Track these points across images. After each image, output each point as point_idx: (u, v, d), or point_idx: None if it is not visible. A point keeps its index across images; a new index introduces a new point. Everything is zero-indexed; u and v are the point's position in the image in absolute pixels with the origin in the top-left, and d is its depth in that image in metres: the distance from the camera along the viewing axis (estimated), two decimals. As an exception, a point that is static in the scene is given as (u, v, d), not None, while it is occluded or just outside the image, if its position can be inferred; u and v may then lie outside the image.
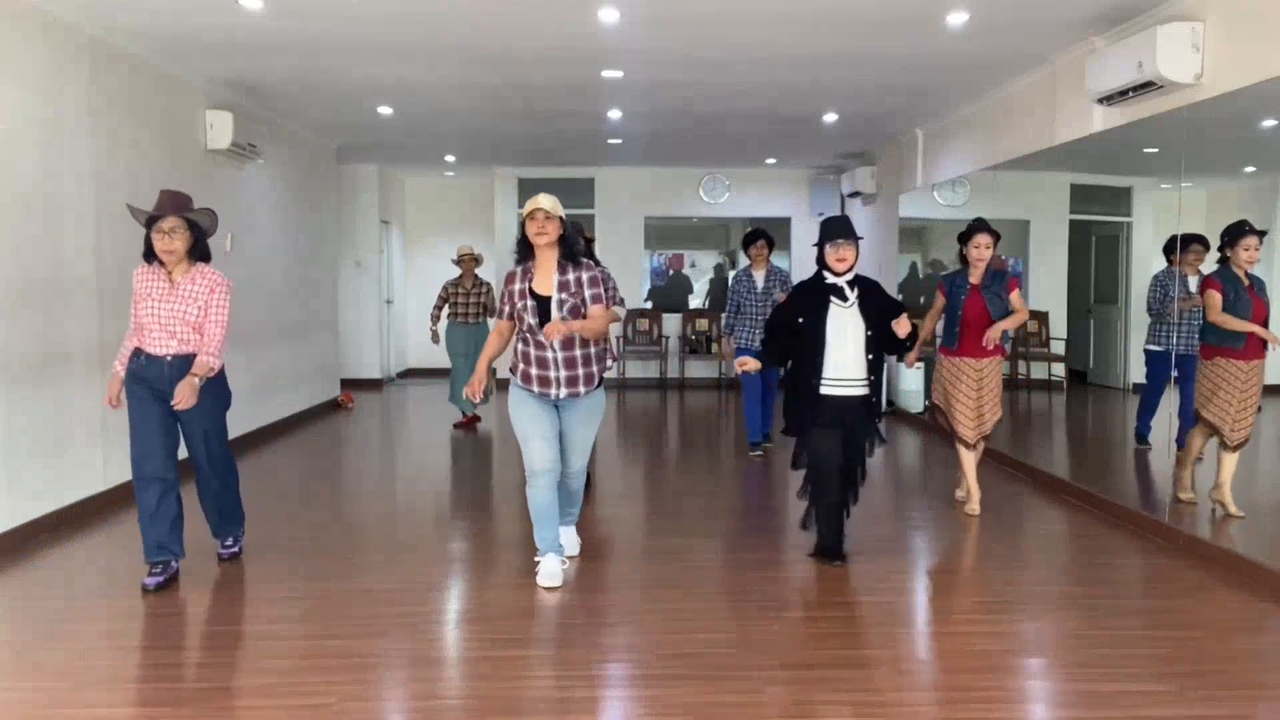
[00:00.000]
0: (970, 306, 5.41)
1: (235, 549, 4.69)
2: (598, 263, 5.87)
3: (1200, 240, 5.36)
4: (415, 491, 6.58)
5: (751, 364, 4.67)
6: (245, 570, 4.56)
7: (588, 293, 4.21)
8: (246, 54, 6.40)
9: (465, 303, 8.68)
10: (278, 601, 4.13)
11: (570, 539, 4.69)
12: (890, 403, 9.62)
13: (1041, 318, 7.34)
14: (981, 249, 5.41)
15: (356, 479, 7.17)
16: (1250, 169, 5.76)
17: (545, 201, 4.16)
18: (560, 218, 4.17)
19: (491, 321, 8.09)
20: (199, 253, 4.26)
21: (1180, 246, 5.39)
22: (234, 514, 4.64)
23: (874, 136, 9.69)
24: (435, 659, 3.59)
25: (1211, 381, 4.96)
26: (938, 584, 4.57)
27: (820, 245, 4.58)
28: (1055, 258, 7.42)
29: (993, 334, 5.30)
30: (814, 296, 4.58)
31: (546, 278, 4.21)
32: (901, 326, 4.42)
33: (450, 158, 11.47)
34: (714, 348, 12.04)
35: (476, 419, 9.01)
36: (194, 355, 4.21)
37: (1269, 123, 5.21)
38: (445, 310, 8.79)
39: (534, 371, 4.24)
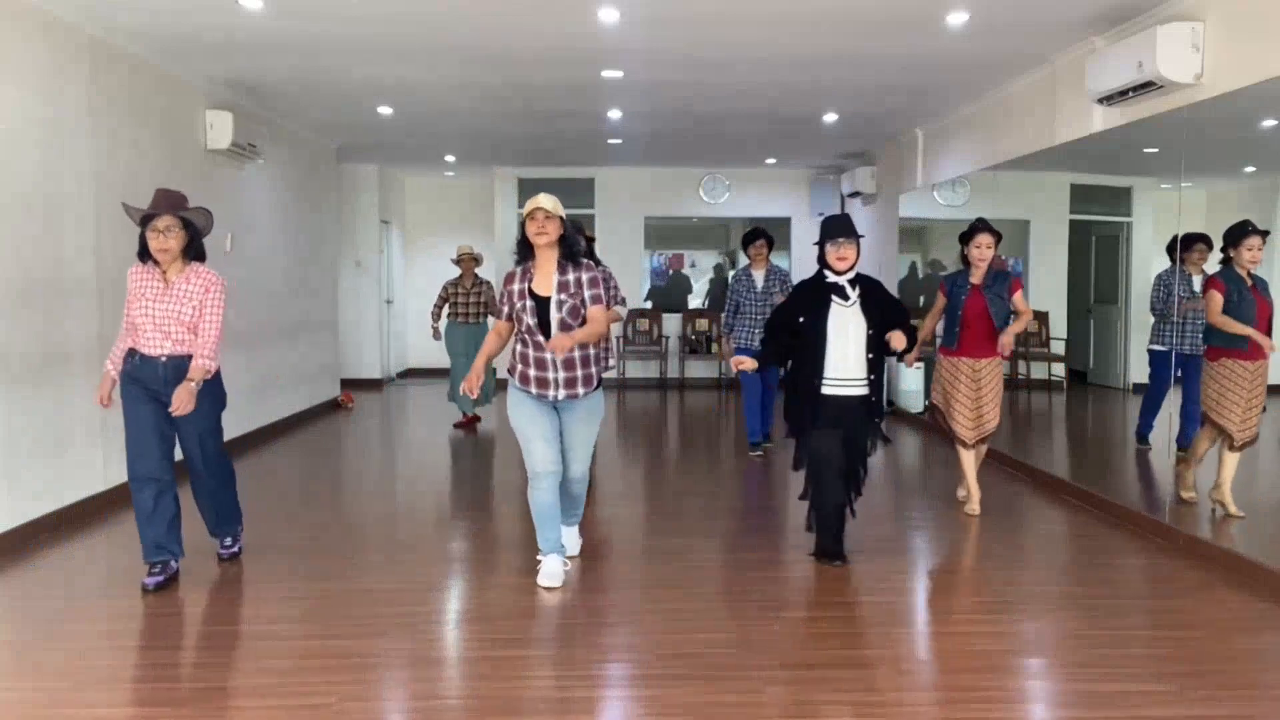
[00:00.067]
0: (971, 307, 5.41)
1: (235, 549, 4.69)
2: (598, 262, 5.88)
3: (1204, 239, 5.35)
4: (415, 491, 6.58)
5: (748, 363, 4.67)
6: (245, 570, 4.55)
7: (587, 294, 4.18)
8: (246, 54, 6.40)
9: (465, 302, 8.69)
10: (278, 601, 4.13)
11: (572, 538, 4.69)
12: (890, 403, 9.62)
13: (1041, 318, 7.34)
14: (983, 249, 5.41)
15: (356, 479, 7.17)
16: (1250, 169, 5.76)
17: (545, 201, 4.13)
18: (560, 217, 4.15)
19: (492, 321, 8.10)
20: (194, 252, 4.23)
21: (1184, 246, 5.39)
22: (231, 513, 4.63)
23: (874, 136, 9.69)
24: (435, 659, 3.59)
25: (1218, 383, 4.94)
26: (938, 584, 4.57)
27: (821, 244, 4.57)
28: (1055, 258, 7.42)
29: (1006, 341, 5.30)
30: (815, 295, 4.57)
31: (546, 278, 4.18)
32: (896, 340, 4.40)
33: (450, 158, 11.47)
34: (714, 348, 12.04)
35: (476, 419, 9.01)
36: (189, 356, 4.18)
37: (1269, 123, 5.21)
38: (445, 309, 8.79)
39: (532, 373, 4.22)
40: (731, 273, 10.76)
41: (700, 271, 13.16)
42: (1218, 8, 4.79)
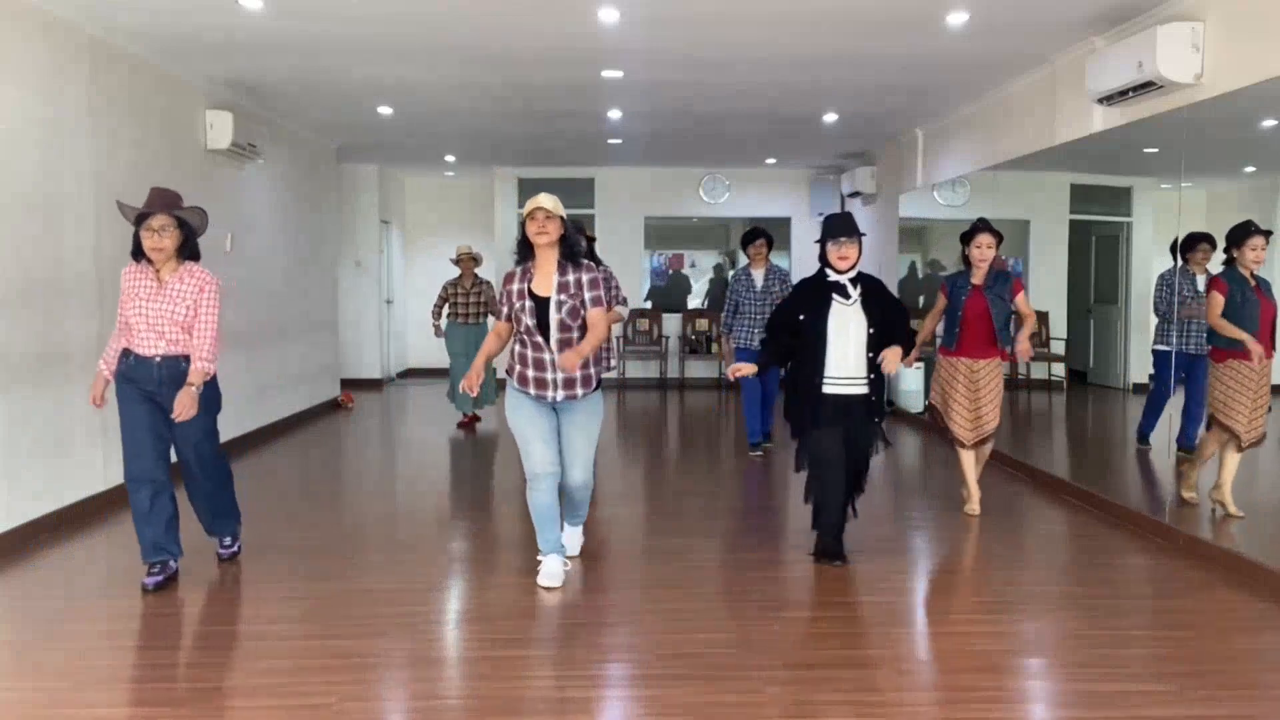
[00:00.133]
0: (971, 307, 5.39)
1: (234, 548, 4.68)
2: (599, 263, 5.87)
3: (1208, 239, 5.34)
4: (415, 491, 6.58)
5: (745, 369, 4.65)
6: (245, 570, 4.55)
7: (587, 295, 4.16)
8: (246, 54, 6.40)
9: (465, 302, 8.69)
10: (278, 601, 4.13)
11: (575, 538, 4.69)
12: (890, 403, 9.62)
13: (1042, 318, 7.34)
14: (984, 249, 5.39)
15: (356, 479, 7.17)
16: (1250, 169, 5.76)
17: (546, 201, 4.11)
18: (561, 217, 4.13)
19: (491, 321, 8.09)
20: (188, 251, 4.19)
21: (1188, 245, 5.37)
22: (230, 512, 4.61)
23: (874, 136, 9.69)
24: (435, 659, 3.59)
25: (1224, 385, 4.92)
26: (938, 584, 4.58)
27: (822, 242, 4.56)
28: (1055, 258, 7.42)
29: (1025, 348, 5.28)
30: (816, 294, 4.56)
31: (546, 278, 4.16)
32: (887, 365, 4.38)
33: (450, 158, 11.47)
34: (714, 348, 12.04)
35: (476, 419, 9.02)
36: (183, 356, 4.15)
37: (1269, 123, 5.21)
38: (445, 309, 8.79)
39: (531, 374, 4.19)
40: (731, 273, 10.76)
41: (700, 271, 13.16)
42: (1218, 8, 4.79)
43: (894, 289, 9.43)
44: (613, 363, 4.60)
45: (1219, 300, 4.92)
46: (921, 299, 9.52)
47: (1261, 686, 3.34)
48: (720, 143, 10.17)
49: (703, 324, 12.28)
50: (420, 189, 13.52)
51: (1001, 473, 6.69)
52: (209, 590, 4.32)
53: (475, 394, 4.23)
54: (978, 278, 5.44)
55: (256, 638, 3.76)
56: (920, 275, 9.91)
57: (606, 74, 6.95)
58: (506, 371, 4.36)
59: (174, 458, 4.34)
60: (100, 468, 5.64)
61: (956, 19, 5.49)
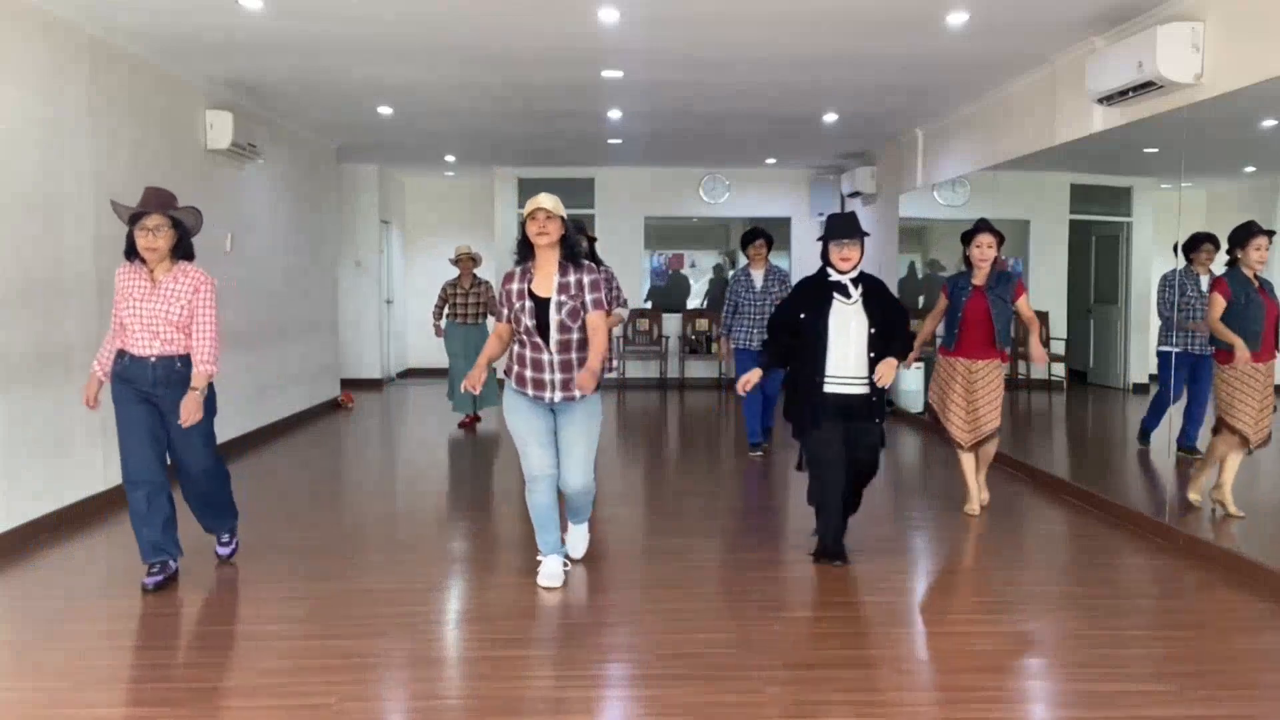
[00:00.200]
0: (972, 308, 5.38)
1: (232, 545, 4.66)
2: (600, 263, 5.85)
3: (1211, 239, 5.32)
4: (415, 491, 6.58)
5: (754, 377, 4.62)
6: (245, 570, 4.55)
7: (588, 297, 4.13)
8: (246, 54, 6.40)
9: (464, 303, 8.68)
10: (278, 601, 4.13)
11: (579, 538, 4.66)
12: (890, 403, 9.61)
13: (1042, 317, 7.33)
14: (984, 249, 5.37)
15: (356, 479, 7.17)
16: (1250, 169, 5.76)
17: (546, 201, 4.09)
18: (561, 218, 4.11)
19: (491, 322, 8.08)
20: (182, 251, 4.17)
21: (1191, 246, 5.36)
22: (226, 512, 4.59)
23: (874, 136, 9.69)
24: (435, 659, 3.59)
25: (1229, 386, 4.91)
26: (938, 584, 4.57)
27: (824, 242, 4.55)
28: (1055, 258, 7.42)
29: (1040, 354, 5.26)
30: (817, 293, 4.55)
31: (546, 279, 4.14)
32: (883, 377, 4.37)
33: (450, 158, 11.47)
34: (714, 348, 12.04)
35: (477, 419, 9.01)
36: (178, 355, 4.13)
37: (1269, 123, 5.20)
38: (445, 310, 8.79)
39: (529, 374, 4.17)
40: (731, 273, 10.76)
41: (700, 271, 13.16)
42: (1218, 8, 4.79)
43: (894, 289, 9.44)
44: (613, 364, 4.58)
45: (1220, 302, 4.91)
46: (921, 299, 9.52)
47: (1261, 686, 3.34)
48: (720, 143, 10.17)
49: (703, 324, 12.29)
50: (420, 189, 13.52)
51: (1001, 473, 6.69)
52: (209, 590, 4.32)
53: (477, 393, 4.20)
54: (979, 278, 5.43)
55: (256, 638, 3.76)
56: (920, 275, 9.91)
57: (606, 74, 6.95)
58: (505, 372, 4.34)
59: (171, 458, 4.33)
60: (100, 468, 5.64)
61: (956, 19, 5.49)
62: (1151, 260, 6.07)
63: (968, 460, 5.56)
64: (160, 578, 4.22)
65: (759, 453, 7.48)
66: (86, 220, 5.53)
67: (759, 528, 5.50)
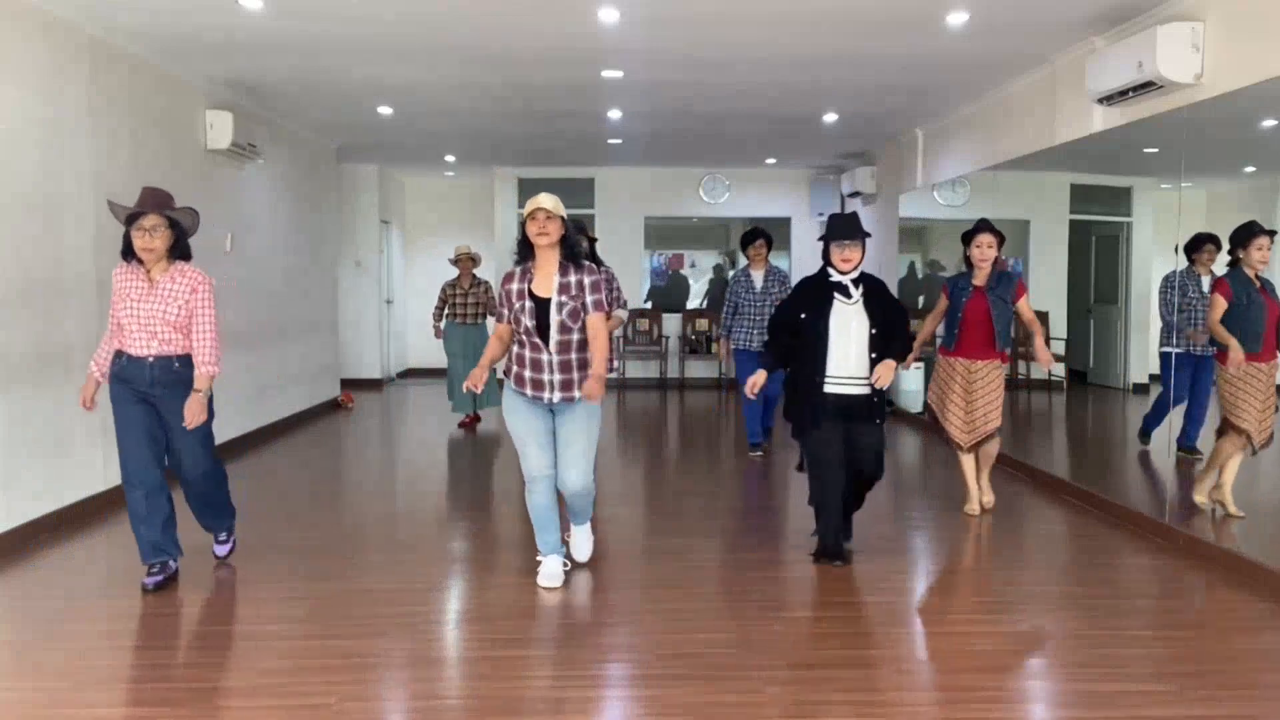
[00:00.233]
0: (972, 309, 5.37)
1: (229, 545, 4.64)
2: (601, 264, 5.85)
3: (1213, 239, 5.31)
4: (415, 491, 6.58)
5: (760, 379, 4.60)
6: (245, 570, 4.55)
7: (589, 298, 4.12)
8: (246, 54, 6.41)
9: (463, 303, 8.68)
10: (278, 601, 4.12)
11: (583, 540, 4.60)
12: (890, 403, 9.61)
13: (1042, 317, 7.33)
14: (984, 249, 5.36)
15: (356, 479, 7.17)
16: (1250, 169, 5.76)
17: (547, 201, 4.08)
18: (562, 218, 4.10)
19: (490, 323, 8.08)
20: (179, 251, 4.16)
21: (1193, 246, 5.35)
22: (224, 511, 4.57)
23: (874, 136, 9.69)
24: (435, 659, 3.59)
25: (1233, 386, 4.90)
26: (938, 584, 4.57)
27: (826, 242, 4.54)
28: (1055, 258, 7.42)
29: (1046, 357, 5.23)
30: (818, 293, 4.54)
31: (547, 279, 4.13)
32: (881, 378, 4.36)
33: (450, 158, 11.47)
34: (714, 348, 12.04)
35: (477, 419, 9.01)
36: (176, 356, 4.12)
37: (1269, 123, 5.20)
38: (445, 311, 8.78)
39: (528, 374, 4.16)
40: (731, 273, 10.75)
41: (700, 271, 13.16)
42: (1218, 8, 4.79)
43: (894, 289, 9.44)
44: (614, 364, 4.56)
45: (1221, 303, 4.90)
46: (921, 299, 9.51)
47: (1261, 686, 3.34)
48: (720, 143, 10.17)
49: (703, 324, 12.29)
50: (420, 189, 13.52)
51: (1002, 473, 6.68)
52: (209, 590, 4.32)
53: (479, 392, 4.18)
54: (979, 279, 5.42)
55: (256, 638, 3.76)
56: (920, 276, 9.91)
57: (606, 74, 6.95)
58: (504, 373, 4.33)
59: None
60: (100, 468, 5.64)
61: (956, 19, 5.49)
62: (1151, 260, 6.07)
63: (967, 461, 5.56)
64: (160, 578, 4.22)
65: (759, 453, 7.48)
66: (86, 220, 5.53)
67: (759, 528, 5.50)
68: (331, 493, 6.61)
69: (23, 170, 5.01)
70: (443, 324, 8.79)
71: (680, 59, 6.51)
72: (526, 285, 4.15)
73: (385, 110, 8.32)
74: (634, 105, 8.13)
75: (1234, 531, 5.00)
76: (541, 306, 4.11)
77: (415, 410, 10.68)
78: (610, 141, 10.03)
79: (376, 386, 11.95)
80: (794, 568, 4.63)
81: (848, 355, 4.46)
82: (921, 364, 8.00)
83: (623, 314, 6.03)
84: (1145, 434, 5.94)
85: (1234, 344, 4.85)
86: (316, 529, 5.37)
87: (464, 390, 4.27)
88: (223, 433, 6.72)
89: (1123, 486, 6.26)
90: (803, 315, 4.52)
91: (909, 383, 9.45)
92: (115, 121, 5.88)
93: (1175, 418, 5.38)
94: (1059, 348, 7.32)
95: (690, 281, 13.05)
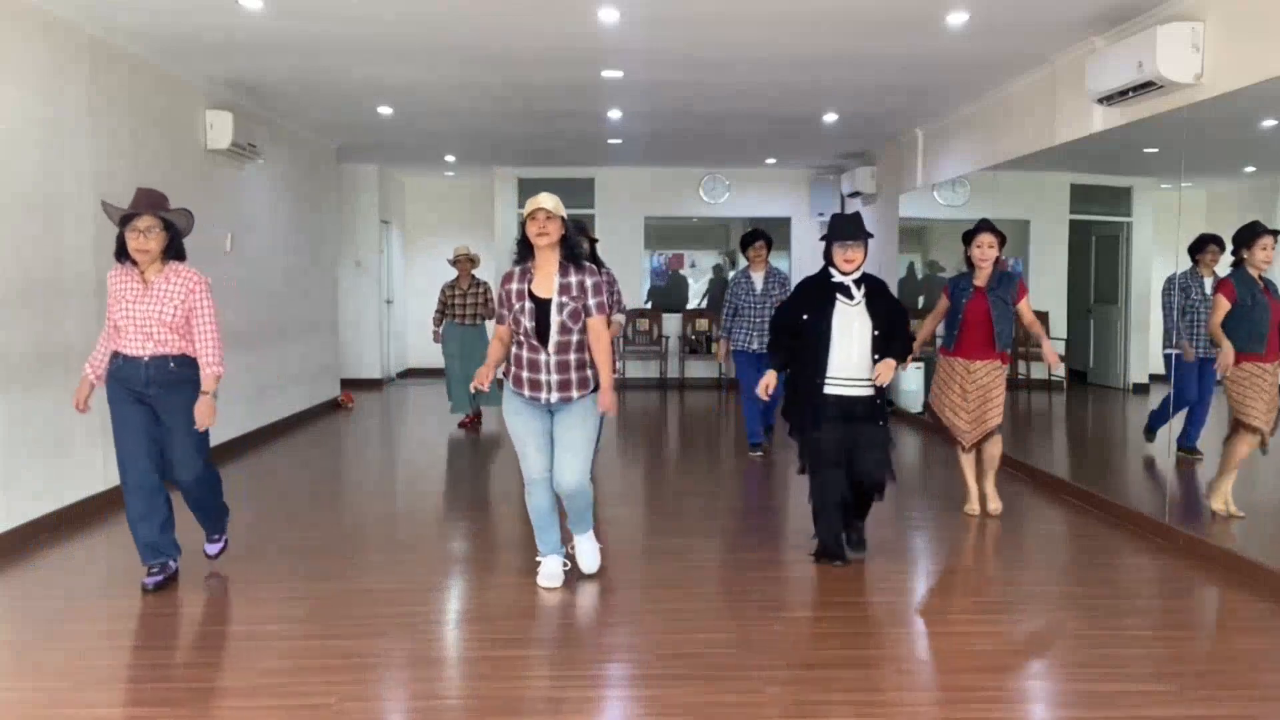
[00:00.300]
0: (972, 309, 5.35)
1: (220, 543, 4.58)
2: (601, 265, 5.84)
3: (1216, 240, 5.29)
4: (415, 491, 6.58)
5: (772, 380, 4.57)
6: (245, 570, 4.55)
7: (591, 300, 4.10)
8: (246, 54, 6.40)
9: (462, 304, 8.66)
10: (278, 601, 4.12)
11: (588, 551, 4.43)
12: (890, 403, 9.61)
13: (1041, 317, 7.33)
14: (985, 249, 5.33)
15: (356, 479, 7.17)
16: (1250, 169, 5.76)
17: (547, 201, 4.05)
18: (562, 218, 4.08)
19: (489, 325, 8.08)
20: (173, 252, 4.14)
21: (1196, 247, 5.34)
22: (216, 513, 4.52)
23: (874, 136, 9.69)
24: (435, 659, 3.59)
25: (1240, 386, 4.88)
26: (938, 584, 4.57)
27: (828, 242, 4.53)
28: (1055, 258, 7.42)
29: (1051, 359, 5.22)
30: (820, 293, 4.52)
31: (547, 280, 4.10)
32: (882, 376, 4.36)
33: (450, 158, 11.47)
34: (714, 348, 12.03)
35: (477, 417, 9.00)
36: (171, 356, 4.09)
37: (1269, 123, 5.20)
38: (444, 313, 8.78)
39: (525, 374, 4.13)
40: (731, 274, 10.75)
41: (700, 271, 13.17)
42: (1218, 8, 4.79)
43: (893, 289, 9.43)
44: (617, 368, 4.54)
45: (1224, 304, 4.88)
46: (921, 299, 9.51)
47: (1261, 686, 3.34)
48: (720, 143, 10.17)
49: (703, 324, 12.29)
50: (420, 189, 13.52)
51: (1002, 472, 6.65)
52: (209, 590, 4.32)
53: (486, 390, 4.16)
54: (980, 279, 5.40)
55: (256, 638, 3.76)
56: (920, 276, 9.91)
57: (606, 74, 6.95)
58: (503, 374, 4.32)
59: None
60: (100, 468, 5.64)
61: (956, 19, 5.49)
62: (1151, 260, 6.07)
63: (967, 460, 5.56)
64: (160, 578, 4.22)
65: (759, 453, 7.48)
66: (86, 220, 5.53)
67: (759, 528, 5.50)
68: (331, 493, 6.61)
69: (23, 170, 5.01)
70: (441, 327, 8.77)
71: (680, 59, 6.51)
72: (526, 286, 4.13)
73: (385, 110, 8.32)
74: (634, 105, 8.13)
75: (1234, 531, 4.99)
76: (541, 307, 4.08)
77: (415, 410, 10.69)
78: (610, 141, 10.03)
79: (376, 386, 11.95)
80: (794, 568, 4.63)
81: (850, 356, 4.44)
82: (921, 364, 8.00)
83: (620, 319, 6.02)
84: (1151, 431, 5.88)
85: (1226, 348, 4.84)
86: (316, 529, 5.37)
87: (470, 390, 4.25)
88: (223, 433, 6.72)
89: (1123, 486, 6.26)
90: (805, 317, 4.51)
91: (909, 383, 9.45)
92: (115, 121, 5.88)
93: (1177, 418, 5.37)
94: (1059, 348, 7.32)
95: (690, 281, 13.06)
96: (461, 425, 8.87)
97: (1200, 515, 5.21)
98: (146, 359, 4.09)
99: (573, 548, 4.47)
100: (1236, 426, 4.93)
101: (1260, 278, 4.87)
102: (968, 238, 5.45)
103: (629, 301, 11.02)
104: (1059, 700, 3.21)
